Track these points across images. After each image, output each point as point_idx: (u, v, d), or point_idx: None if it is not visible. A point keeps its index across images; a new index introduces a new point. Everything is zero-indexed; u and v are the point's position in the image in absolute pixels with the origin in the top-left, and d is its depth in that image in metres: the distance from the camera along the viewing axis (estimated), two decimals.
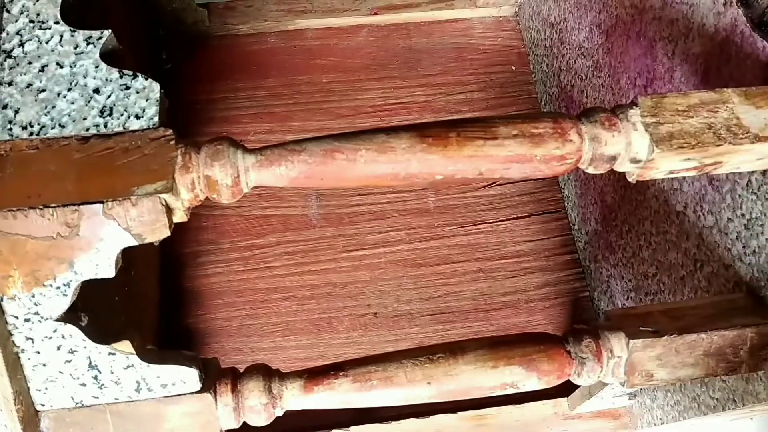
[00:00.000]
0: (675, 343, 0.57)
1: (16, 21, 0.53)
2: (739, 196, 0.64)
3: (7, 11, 0.54)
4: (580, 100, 1.00)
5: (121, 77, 0.51)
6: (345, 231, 1.08)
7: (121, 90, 0.51)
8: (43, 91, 0.51)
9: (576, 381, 0.59)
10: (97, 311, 0.56)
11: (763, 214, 0.61)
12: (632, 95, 0.84)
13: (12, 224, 0.46)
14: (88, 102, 0.51)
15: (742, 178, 0.64)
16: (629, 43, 0.84)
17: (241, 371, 0.58)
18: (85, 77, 0.52)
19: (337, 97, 1.16)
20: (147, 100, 0.51)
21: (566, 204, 1.11)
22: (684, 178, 0.74)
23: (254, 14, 1.18)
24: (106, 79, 0.51)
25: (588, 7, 0.94)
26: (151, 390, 0.55)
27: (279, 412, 0.57)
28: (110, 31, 0.53)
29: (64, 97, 0.51)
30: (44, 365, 0.53)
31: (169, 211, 0.47)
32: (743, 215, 0.64)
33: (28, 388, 0.54)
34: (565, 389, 0.84)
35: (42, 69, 0.52)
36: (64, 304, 0.50)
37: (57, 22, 0.53)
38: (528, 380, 0.58)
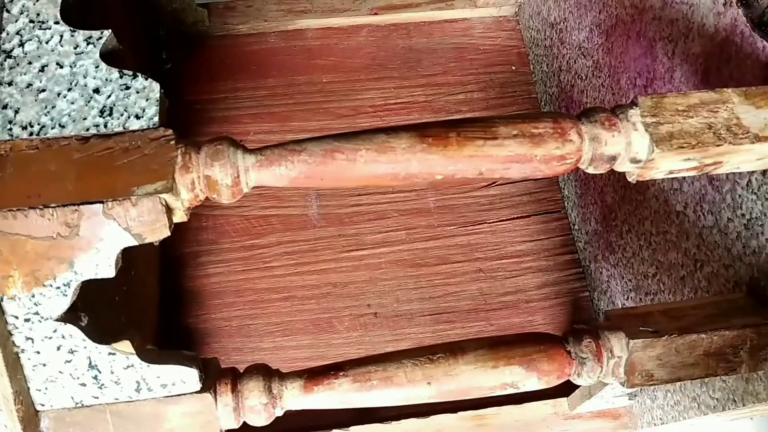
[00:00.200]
0: (675, 343, 0.57)
1: (16, 21, 0.53)
2: (739, 196, 0.64)
3: (7, 11, 0.54)
4: (580, 100, 1.00)
5: (121, 77, 0.51)
6: (345, 231, 1.08)
7: (121, 90, 0.51)
8: (43, 91, 0.51)
9: (576, 381, 0.59)
10: (97, 311, 0.56)
11: (763, 214, 0.61)
12: (632, 95, 0.84)
13: (12, 224, 0.46)
14: (88, 102, 0.51)
15: (742, 178, 0.64)
16: (629, 43, 0.84)
17: (241, 371, 0.58)
18: (85, 77, 0.52)
19: (337, 97, 1.16)
20: (147, 100, 0.51)
21: (566, 204, 1.11)
22: (684, 178, 0.74)
23: (254, 14, 1.18)
24: (106, 79, 0.51)
25: (588, 7, 0.94)
26: (151, 390, 0.55)
27: (279, 412, 0.57)
28: (110, 31, 0.53)
29: (64, 97, 0.51)
30: (44, 365, 0.53)
31: (169, 211, 0.47)
32: (743, 215, 0.64)
33: (28, 388, 0.54)
34: (565, 389, 0.84)
35: (42, 69, 0.52)
36: (64, 304, 0.50)
37: (57, 22, 0.53)
38: (528, 380, 0.58)
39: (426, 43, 1.21)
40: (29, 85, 0.51)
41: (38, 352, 0.52)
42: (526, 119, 0.50)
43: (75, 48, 0.53)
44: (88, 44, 0.53)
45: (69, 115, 0.50)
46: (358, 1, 1.21)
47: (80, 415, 0.55)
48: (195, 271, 1.04)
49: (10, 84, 0.51)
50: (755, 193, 0.62)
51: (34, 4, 0.54)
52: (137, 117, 0.50)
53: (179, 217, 0.48)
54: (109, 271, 0.49)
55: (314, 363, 0.59)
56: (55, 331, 0.51)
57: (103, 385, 0.54)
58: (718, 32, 0.66)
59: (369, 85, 1.17)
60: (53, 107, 0.50)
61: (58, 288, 0.49)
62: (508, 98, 1.18)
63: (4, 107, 0.50)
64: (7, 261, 0.48)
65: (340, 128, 0.94)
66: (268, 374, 0.57)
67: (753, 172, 0.62)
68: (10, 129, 0.50)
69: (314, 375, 0.57)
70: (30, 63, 0.52)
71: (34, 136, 0.49)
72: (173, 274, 1.03)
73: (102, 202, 0.46)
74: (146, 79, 0.51)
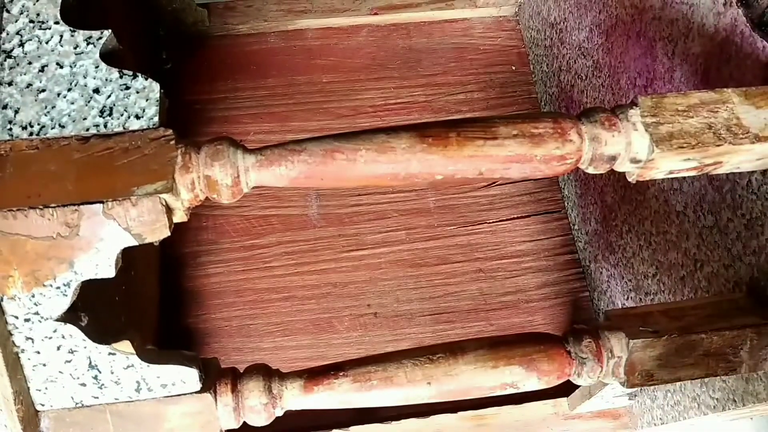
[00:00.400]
0: (675, 343, 0.57)
1: (16, 21, 0.53)
2: (739, 196, 0.64)
3: (7, 11, 0.53)
4: (580, 100, 1.00)
5: (121, 77, 0.51)
6: (345, 231, 1.08)
7: (121, 90, 0.51)
8: (43, 91, 0.51)
9: (576, 381, 0.59)
10: (97, 311, 0.56)
11: (763, 214, 0.61)
12: (632, 95, 0.84)
13: (12, 224, 0.46)
14: (88, 102, 0.51)
15: (742, 178, 0.64)
16: (629, 43, 0.84)
17: (241, 371, 0.58)
18: (85, 77, 0.52)
19: (337, 97, 1.16)
20: (147, 100, 0.51)
21: (566, 204, 1.11)
22: (684, 178, 0.74)
23: (254, 14, 1.18)
24: (106, 79, 0.51)
25: (588, 7, 0.94)
26: (151, 390, 0.55)
27: (279, 412, 0.57)
28: (110, 31, 0.53)
29: (64, 97, 0.51)
30: (44, 365, 0.53)
31: (169, 211, 0.47)
32: (743, 215, 0.64)
33: (28, 388, 0.54)
34: (565, 389, 0.84)
35: (42, 69, 0.52)
36: (64, 304, 0.50)
37: (57, 22, 0.53)
38: (528, 380, 0.58)
39: (426, 43, 1.21)
40: (29, 85, 0.51)
41: (38, 352, 0.52)
42: (526, 119, 0.50)
43: (75, 48, 0.53)
44: (88, 44, 0.53)
45: (69, 115, 0.50)
46: (358, 1, 1.21)
47: (80, 415, 0.55)
48: (195, 271, 1.04)
49: (10, 84, 0.51)
50: (755, 193, 0.62)
51: (34, 4, 0.54)
52: (137, 117, 0.50)
53: (179, 217, 0.48)
54: (109, 271, 0.49)
55: (314, 363, 0.59)
56: (55, 331, 0.51)
57: (103, 385, 0.54)
58: (718, 32, 0.66)
59: (369, 85, 1.17)
60: (53, 107, 0.50)
61: (58, 288, 0.49)
62: (508, 98, 1.18)
63: (4, 107, 0.50)
64: (7, 261, 0.48)
65: (340, 128, 0.94)
66: (268, 374, 0.57)
67: (753, 172, 0.62)
68: (10, 129, 0.50)
69: (314, 375, 0.57)
70: (30, 63, 0.52)
71: (34, 136, 0.49)
72: (173, 274, 1.03)
73: (102, 202, 0.46)
74: (146, 79, 0.51)
